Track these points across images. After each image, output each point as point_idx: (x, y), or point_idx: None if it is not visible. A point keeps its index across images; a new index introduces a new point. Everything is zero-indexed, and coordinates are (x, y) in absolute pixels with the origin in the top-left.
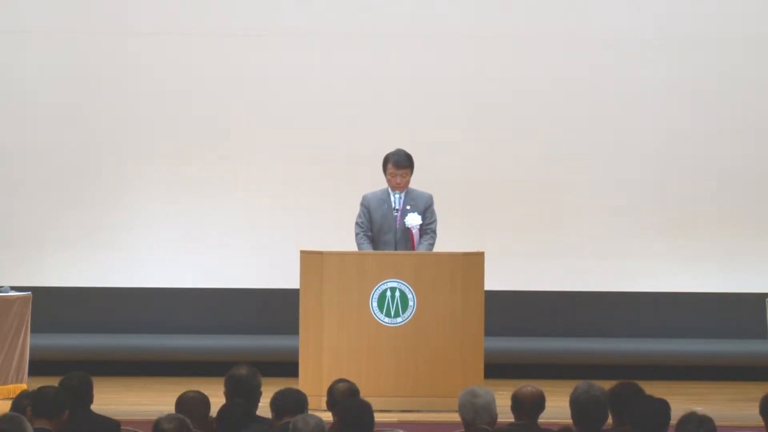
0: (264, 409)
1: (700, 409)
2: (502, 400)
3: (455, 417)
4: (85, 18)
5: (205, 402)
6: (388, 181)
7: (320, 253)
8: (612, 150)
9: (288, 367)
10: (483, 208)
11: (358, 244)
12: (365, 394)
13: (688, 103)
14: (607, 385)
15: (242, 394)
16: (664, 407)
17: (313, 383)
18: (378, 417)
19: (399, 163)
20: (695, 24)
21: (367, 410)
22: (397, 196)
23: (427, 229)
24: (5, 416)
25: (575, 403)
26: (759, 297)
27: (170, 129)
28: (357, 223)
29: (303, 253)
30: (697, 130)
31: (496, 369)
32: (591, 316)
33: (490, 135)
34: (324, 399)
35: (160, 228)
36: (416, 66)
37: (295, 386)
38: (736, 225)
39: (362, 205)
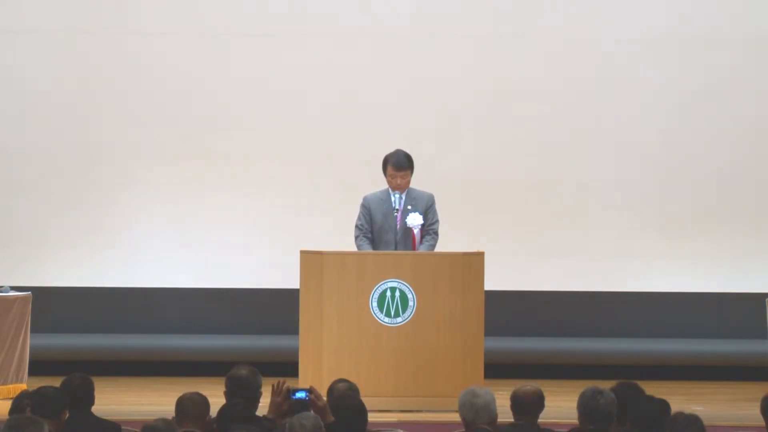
0: (264, 409)
1: (699, 408)
2: (502, 400)
3: (455, 417)
4: (85, 18)
5: (204, 403)
6: (389, 182)
7: (320, 253)
8: (612, 150)
9: (288, 367)
10: (483, 208)
11: (358, 246)
12: (365, 394)
13: (689, 103)
14: (607, 385)
15: (242, 395)
16: (664, 407)
17: (313, 383)
18: (378, 417)
19: (399, 165)
20: (695, 24)
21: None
22: (397, 196)
23: (429, 229)
24: (23, 418)
25: (585, 408)
26: (759, 297)
27: (170, 129)
28: (357, 226)
29: (303, 253)
30: (697, 130)
31: (496, 369)
32: (591, 316)
33: (490, 135)
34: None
35: (160, 228)
36: (416, 66)
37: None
38: (735, 225)
39: (362, 206)
